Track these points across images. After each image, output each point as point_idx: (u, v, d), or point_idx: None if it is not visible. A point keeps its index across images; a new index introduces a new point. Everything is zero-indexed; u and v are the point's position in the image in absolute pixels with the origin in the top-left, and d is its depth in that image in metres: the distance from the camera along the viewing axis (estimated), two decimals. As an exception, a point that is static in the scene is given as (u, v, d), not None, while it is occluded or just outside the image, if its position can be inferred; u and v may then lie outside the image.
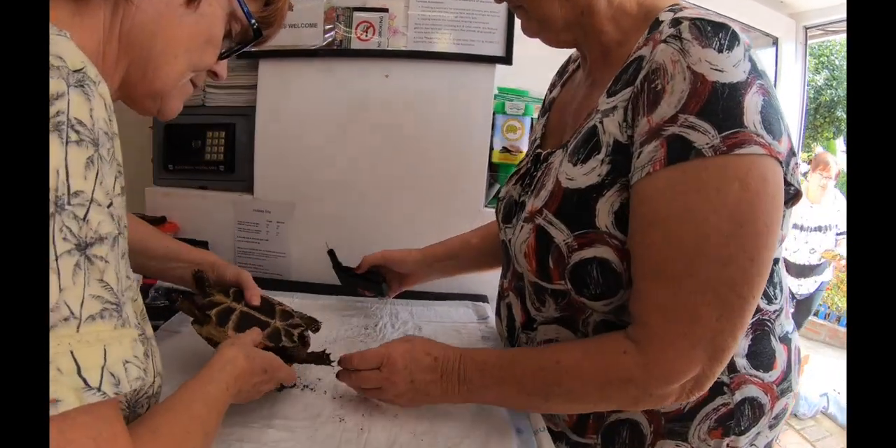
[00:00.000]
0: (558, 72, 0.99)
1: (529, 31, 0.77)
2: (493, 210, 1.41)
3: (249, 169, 1.45)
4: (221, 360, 0.69)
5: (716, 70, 0.60)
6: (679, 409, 0.72)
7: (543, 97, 1.00)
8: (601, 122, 0.69)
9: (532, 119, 1.48)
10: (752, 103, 0.60)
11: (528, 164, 0.86)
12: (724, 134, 0.59)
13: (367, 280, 1.14)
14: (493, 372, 0.72)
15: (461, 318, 1.18)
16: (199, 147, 1.48)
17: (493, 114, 1.44)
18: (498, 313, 0.92)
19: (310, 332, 0.91)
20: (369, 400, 0.81)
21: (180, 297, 0.85)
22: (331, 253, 1.14)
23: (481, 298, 1.35)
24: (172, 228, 1.46)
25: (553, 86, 0.98)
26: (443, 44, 1.38)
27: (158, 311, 1.13)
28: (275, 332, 0.84)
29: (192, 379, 0.64)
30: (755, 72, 0.62)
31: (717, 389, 0.72)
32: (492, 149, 1.45)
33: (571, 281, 0.69)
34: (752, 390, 0.73)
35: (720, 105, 0.59)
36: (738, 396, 0.72)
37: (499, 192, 1.48)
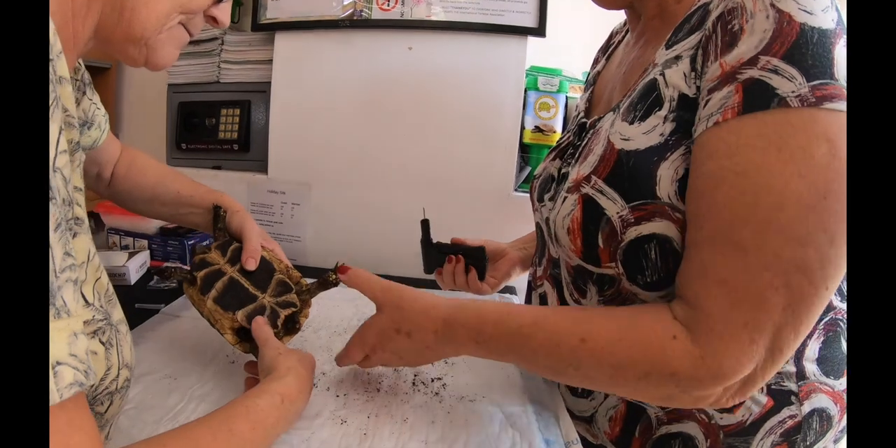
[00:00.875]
0: (601, 48, 0.90)
1: None
2: (525, 195, 1.34)
3: (265, 148, 1.38)
4: (280, 370, 0.60)
5: (804, 11, 0.49)
6: (741, 422, 0.62)
7: (587, 74, 0.91)
8: (662, 75, 0.58)
9: (567, 97, 1.37)
10: (841, 56, 0.49)
11: (570, 137, 0.76)
12: (812, 83, 0.48)
13: (468, 256, 0.94)
14: (492, 344, 0.60)
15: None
16: (213, 125, 1.42)
17: (525, 90, 1.34)
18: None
19: (302, 317, 0.79)
20: (377, 400, 0.72)
21: (175, 269, 0.76)
22: (425, 223, 0.96)
23: (508, 290, 1.24)
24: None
25: (596, 61, 0.89)
26: (470, 14, 1.28)
27: (161, 293, 1.07)
28: (256, 311, 0.72)
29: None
30: (842, 24, 0.51)
31: (785, 399, 0.61)
32: (523, 128, 1.35)
33: (624, 263, 0.58)
34: (821, 400, 0.62)
35: (810, 50, 0.49)
36: (806, 407, 0.61)
37: (530, 175, 1.37)
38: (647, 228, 0.56)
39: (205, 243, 0.82)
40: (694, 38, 0.56)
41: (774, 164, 0.48)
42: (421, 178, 1.33)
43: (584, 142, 0.68)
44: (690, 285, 0.53)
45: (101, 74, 1.58)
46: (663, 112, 0.56)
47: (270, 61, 1.36)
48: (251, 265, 0.76)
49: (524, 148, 1.37)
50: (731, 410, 0.61)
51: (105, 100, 1.61)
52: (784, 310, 0.49)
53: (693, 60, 0.55)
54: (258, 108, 1.41)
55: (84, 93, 0.67)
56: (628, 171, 0.57)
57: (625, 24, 0.83)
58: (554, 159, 0.77)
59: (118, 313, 0.51)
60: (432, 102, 1.31)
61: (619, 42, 0.81)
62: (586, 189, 0.60)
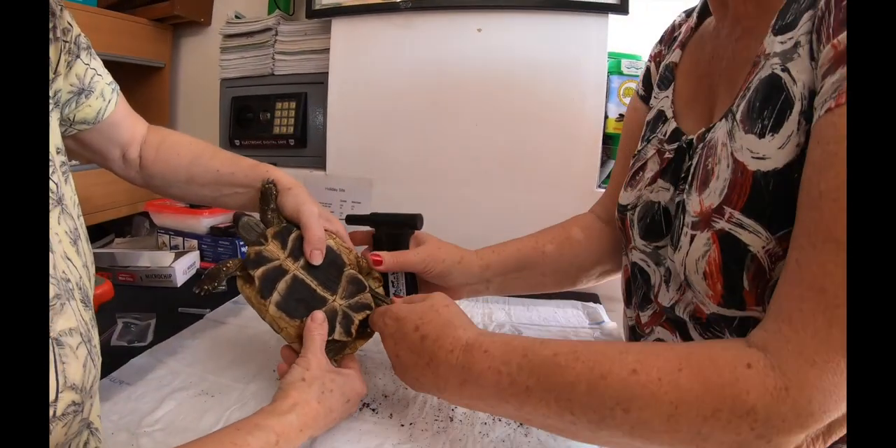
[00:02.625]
0: (663, 40, 0.76)
1: None
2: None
3: (323, 143, 1.27)
4: (285, 404, 0.52)
5: None
6: None
7: (644, 70, 0.77)
8: (786, 70, 0.45)
9: (654, 82, 1.21)
10: None
11: (669, 155, 0.62)
12: None
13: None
14: (519, 376, 0.48)
15: (570, 321, 0.93)
16: (267, 120, 1.33)
17: (608, 75, 1.18)
18: None
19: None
20: (450, 432, 0.58)
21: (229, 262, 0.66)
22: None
23: (591, 298, 1.09)
24: (238, 211, 1.31)
25: (660, 55, 0.75)
26: (545, -11, 1.14)
27: (208, 297, 0.96)
28: (328, 317, 0.62)
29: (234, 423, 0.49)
30: None
31: None
32: (606, 117, 1.19)
33: None
34: None
35: None
36: None
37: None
38: None
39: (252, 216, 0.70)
40: (807, 18, 0.44)
41: None
42: (493, 174, 1.19)
43: (696, 161, 0.55)
44: (778, 296, 0.41)
45: (155, 73, 1.53)
46: (795, 116, 0.44)
47: (327, 50, 1.26)
48: (317, 259, 0.65)
49: (606, 139, 1.21)
50: None
51: (159, 99, 1.57)
52: None
53: (811, 46, 0.43)
54: (315, 101, 1.31)
55: (77, 56, 0.58)
56: (769, 197, 0.45)
57: (690, 13, 0.71)
58: (652, 182, 0.63)
59: (65, 322, 0.40)
60: (504, 89, 1.18)
61: (693, 31, 0.68)
62: (720, 223, 0.48)
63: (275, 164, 1.30)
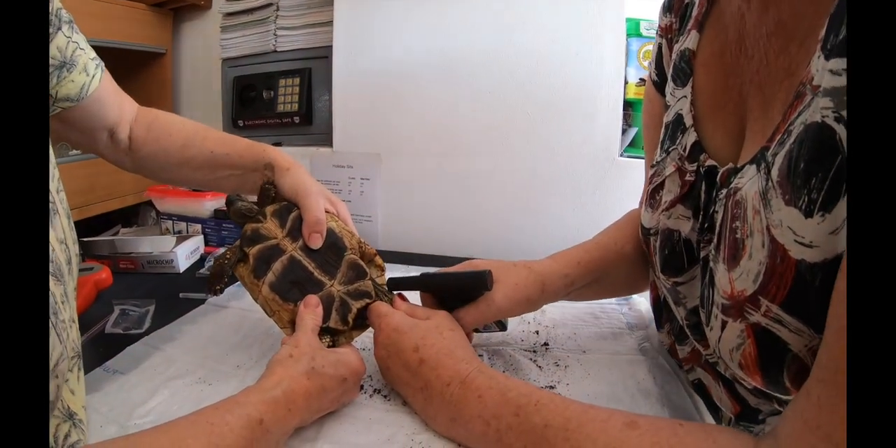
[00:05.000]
0: (671, 8, 0.60)
1: None
2: (631, 160, 1.12)
3: (329, 119, 1.22)
4: (270, 381, 0.47)
5: None
6: None
7: (656, 48, 0.63)
8: (840, 121, 0.32)
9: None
10: None
11: (691, 180, 0.51)
12: None
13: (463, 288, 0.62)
14: (506, 436, 0.46)
15: (595, 297, 0.86)
16: (270, 98, 1.28)
17: (626, 37, 1.11)
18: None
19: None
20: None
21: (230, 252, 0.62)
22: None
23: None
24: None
25: (669, 28, 0.60)
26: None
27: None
28: (324, 302, 0.58)
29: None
30: None
31: None
32: (626, 82, 1.12)
33: None
34: None
35: None
36: None
37: (636, 136, 1.14)
38: None
39: (245, 201, 0.65)
40: None
41: None
42: (508, 144, 1.13)
43: (721, 215, 0.45)
44: (789, 421, 0.35)
45: (156, 60, 1.48)
46: None
47: (331, 23, 1.21)
48: (316, 242, 0.61)
49: (626, 105, 1.14)
50: None
51: (161, 86, 1.52)
52: None
53: None
54: (320, 76, 1.25)
55: (59, 28, 0.55)
56: (816, 294, 0.35)
57: None
58: (671, 207, 0.53)
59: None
60: (517, 55, 1.11)
61: (710, 5, 0.53)
62: (755, 316, 0.39)
63: (280, 144, 1.26)
